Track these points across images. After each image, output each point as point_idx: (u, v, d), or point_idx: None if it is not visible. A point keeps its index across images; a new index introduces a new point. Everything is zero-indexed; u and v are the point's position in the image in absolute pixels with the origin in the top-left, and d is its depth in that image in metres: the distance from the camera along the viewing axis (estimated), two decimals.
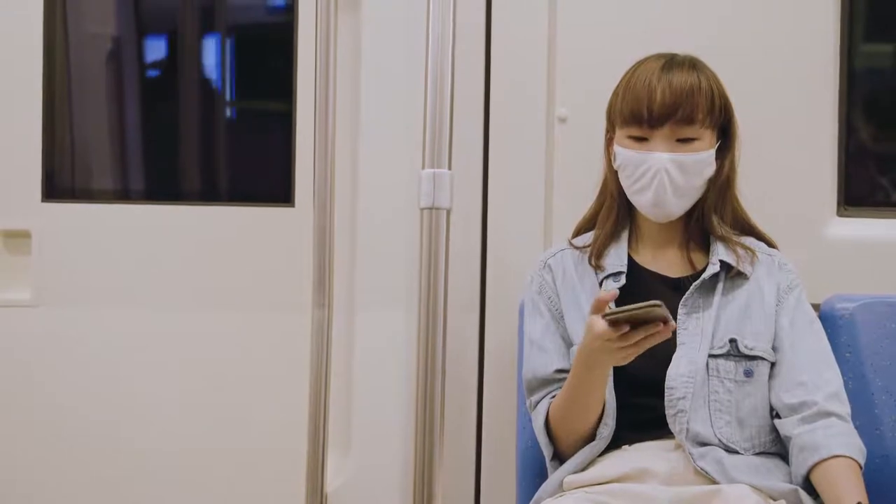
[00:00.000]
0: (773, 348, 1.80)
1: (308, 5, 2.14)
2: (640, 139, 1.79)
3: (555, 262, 1.90)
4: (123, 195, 2.46)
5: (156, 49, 2.56)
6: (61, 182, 2.36)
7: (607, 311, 1.58)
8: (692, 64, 1.82)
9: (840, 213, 2.09)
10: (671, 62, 1.81)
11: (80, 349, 2.28)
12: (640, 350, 1.61)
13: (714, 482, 1.69)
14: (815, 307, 1.97)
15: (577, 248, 1.89)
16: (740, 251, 1.83)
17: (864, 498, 1.63)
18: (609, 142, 1.87)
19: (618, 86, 1.84)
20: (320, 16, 1.95)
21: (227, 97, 2.51)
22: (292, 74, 2.22)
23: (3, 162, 2.29)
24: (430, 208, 1.81)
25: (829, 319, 1.94)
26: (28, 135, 2.28)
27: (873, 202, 2.21)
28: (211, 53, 2.50)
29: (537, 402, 1.82)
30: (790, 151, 2.09)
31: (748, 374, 1.77)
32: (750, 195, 2.08)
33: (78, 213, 2.30)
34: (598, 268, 1.85)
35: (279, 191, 2.27)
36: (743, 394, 1.76)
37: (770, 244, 1.91)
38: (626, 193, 1.84)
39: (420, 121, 1.80)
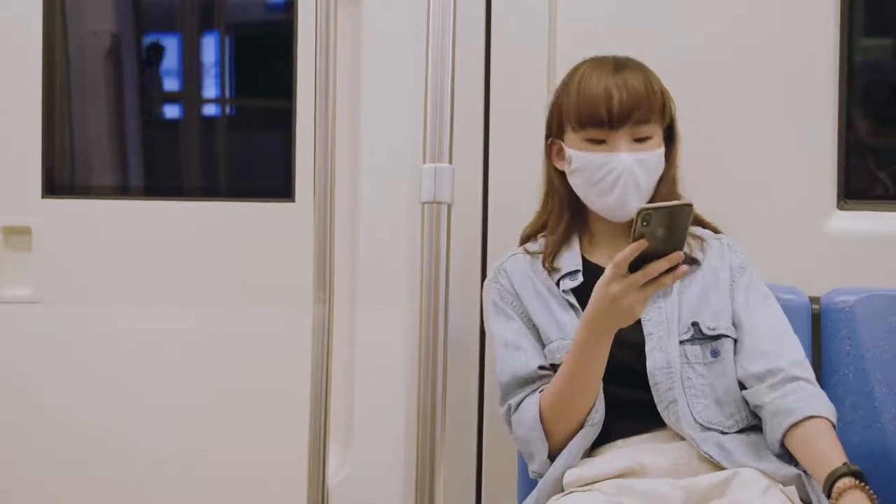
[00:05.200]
0: (734, 325, 1.81)
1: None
2: (598, 141, 1.79)
3: (510, 265, 1.90)
4: (123, 191, 2.47)
5: (155, 46, 2.56)
6: (61, 178, 2.36)
7: (640, 207, 1.55)
8: (638, 64, 1.84)
9: (840, 207, 2.10)
10: (619, 64, 1.82)
11: (81, 345, 2.29)
12: (659, 287, 1.60)
13: (720, 467, 1.70)
14: (816, 300, 1.97)
15: (530, 253, 1.90)
16: (690, 240, 1.83)
17: (846, 458, 1.64)
18: (551, 147, 1.88)
19: (563, 90, 1.85)
20: (320, 10, 1.95)
21: (228, 93, 2.51)
22: (292, 69, 2.22)
23: (4, 158, 2.30)
24: (432, 203, 1.81)
25: (829, 313, 1.95)
26: (28, 131, 2.29)
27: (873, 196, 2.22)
28: (211, 50, 2.51)
29: (520, 402, 1.80)
30: (790, 145, 2.09)
31: (715, 353, 1.79)
32: (750, 189, 2.10)
33: (78, 210, 2.30)
34: (552, 270, 1.85)
35: (280, 186, 2.27)
36: (714, 375, 1.78)
37: (715, 231, 1.93)
38: (583, 197, 1.84)
39: (421, 115, 1.80)
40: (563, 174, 1.86)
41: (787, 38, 2.09)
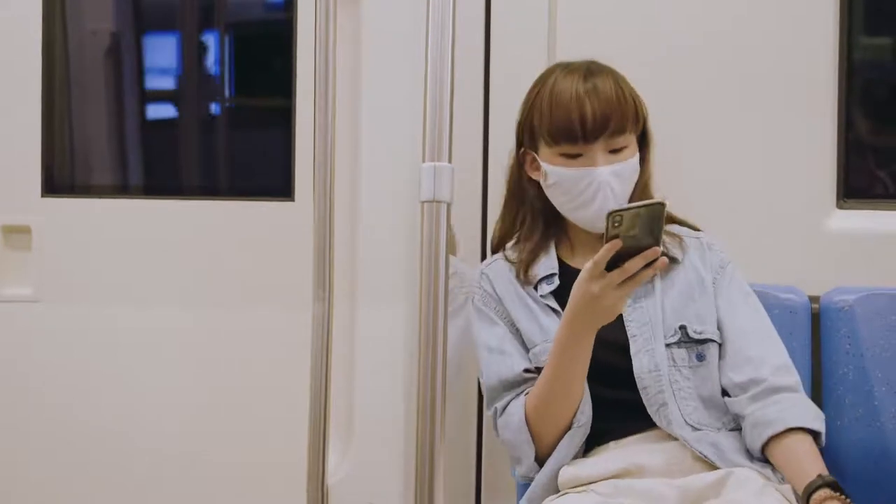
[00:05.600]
0: (718, 328, 1.81)
1: None
2: (574, 156, 1.78)
3: (491, 270, 1.90)
4: (123, 190, 2.47)
5: (155, 45, 2.56)
6: (61, 177, 2.36)
7: (610, 209, 1.54)
8: (608, 71, 1.82)
9: (840, 206, 2.10)
10: (588, 71, 1.80)
11: (81, 345, 2.29)
12: (637, 283, 1.59)
13: (714, 467, 1.70)
14: (815, 299, 1.97)
15: (509, 260, 1.89)
16: (667, 239, 1.83)
17: (823, 469, 1.65)
18: (524, 157, 1.87)
19: (532, 102, 1.83)
20: (320, 9, 1.96)
21: (227, 92, 2.51)
22: (292, 68, 2.22)
23: (3, 157, 2.30)
24: (431, 202, 1.81)
25: (828, 312, 1.95)
26: (28, 130, 2.29)
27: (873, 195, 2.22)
28: (210, 49, 2.51)
29: (506, 406, 1.80)
30: (790, 144, 2.09)
31: (700, 357, 1.79)
32: (750, 188, 2.10)
33: (78, 209, 2.31)
34: (527, 281, 1.85)
35: (279, 185, 2.27)
36: (699, 378, 1.78)
37: (694, 229, 1.92)
38: (560, 209, 1.83)
39: (420, 114, 1.80)
40: (536, 183, 1.86)
41: (786, 37, 2.09)
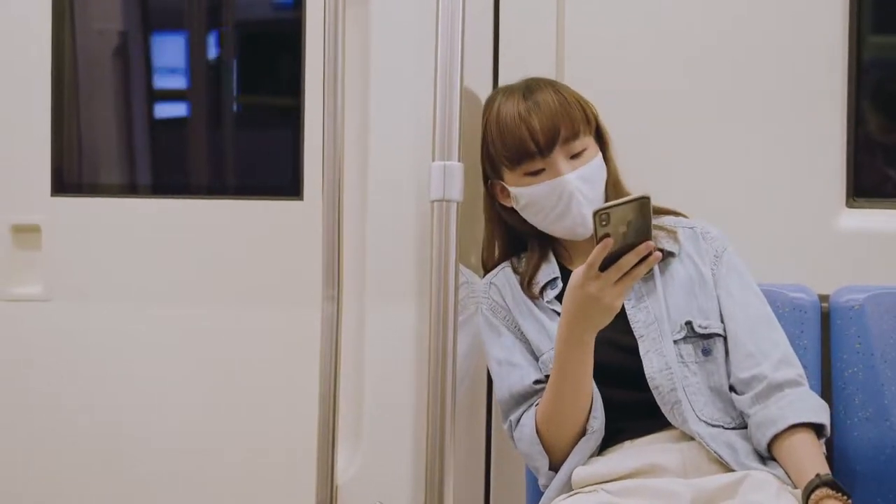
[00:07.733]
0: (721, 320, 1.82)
1: None
2: (536, 172, 1.80)
3: (498, 279, 1.91)
4: (132, 189, 2.47)
5: (163, 44, 2.56)
6: (70, 176, 2.36)
7: (595, 209, 1.55)
8: (546, 82, 1.85)
9: (849, 205, 2.09)
10: (527, 89, 1.83)
11: (90, 343, 2.29)
12: (634, 279, 1.59)
13: (729, 468, 1.69)
14: (825, 298, 1.97)
15: (515, 269, 1.91)
16: (659, 233, 1.83)
17: (823, 468, 1.65)
18: (493, 189, 1.89)
19: (484, 133, 1.88)
20: (328, 7, 1.96)
21: (236, 91, 2.51)
22: (300, 68, 2.22)
23: (13, 157, 2.30)
24: (441, 200, 1.81)
25: (838, 311, 1.95)
26: (37, 130, 2.29)
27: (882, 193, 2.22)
28: (219, 48, 2.51)
29: (519, 418, 1.81)
30: (799, 143, 2.09)
31: (706, 352, 1.79)
32: (759, 187, 2.10)
33: (87, 208, 2.31)
34: (531, 294, 1.85)
35: (288, 184, 2.27)
36: (706, 373, 1.78)
37: (678, 215, 1.93)
38: (540, 226, 1.85)
39: (429, 112, 1.80)
40: (513, 209, 1.88)
41: (795, 35, 2.09)
